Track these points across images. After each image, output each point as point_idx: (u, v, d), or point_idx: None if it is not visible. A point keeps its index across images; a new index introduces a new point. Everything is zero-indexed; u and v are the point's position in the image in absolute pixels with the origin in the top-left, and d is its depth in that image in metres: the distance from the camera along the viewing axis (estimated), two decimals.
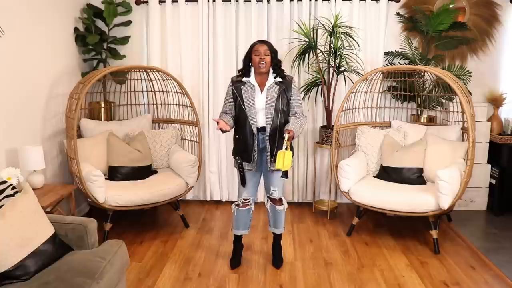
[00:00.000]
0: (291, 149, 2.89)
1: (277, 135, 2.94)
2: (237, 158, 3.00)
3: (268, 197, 3.16)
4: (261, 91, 2.96)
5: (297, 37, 4.16)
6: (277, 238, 3.30)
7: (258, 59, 2.90)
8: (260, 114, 2.96)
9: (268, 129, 2.95)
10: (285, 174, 2.95)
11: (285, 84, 2.98)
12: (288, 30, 4.24)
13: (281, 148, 2.78)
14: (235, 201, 3.19)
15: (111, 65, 4.36)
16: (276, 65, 2.97)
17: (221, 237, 3.76)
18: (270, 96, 2.94)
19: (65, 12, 3.92)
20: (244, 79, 2.99)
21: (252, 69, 2.98)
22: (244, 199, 3.10)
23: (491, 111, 4.40)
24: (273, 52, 2.94)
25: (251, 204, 3.12)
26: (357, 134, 4.08)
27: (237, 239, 3.27)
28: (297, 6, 4.26)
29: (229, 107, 3.05)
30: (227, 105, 3.07)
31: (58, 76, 3.78)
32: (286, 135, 2.81)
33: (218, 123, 2.89)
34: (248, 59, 2.98)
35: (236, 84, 3.01)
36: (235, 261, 3.26)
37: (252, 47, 2.96)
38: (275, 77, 2.97)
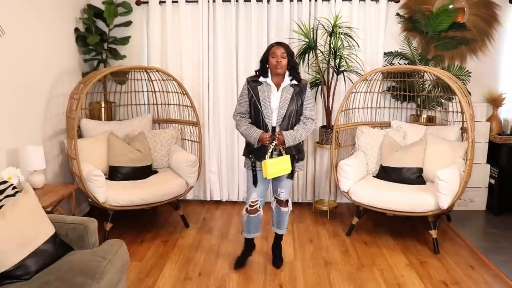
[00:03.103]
0: (287, 153, 2.96)
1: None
2: (250, 156, 3.02)
3: (275, 197, 3.18)
4: (277, 91, 2.99)
5: (297, 37, 4.17)
6: (278, 238, 3.31)
7: (275, 62, 2.91)
8: (275, 114, 2.97)
9: (278, 129, 2.97)
10: (290, 176, 3.04)
11: (299, 87, 3.00)
12: (288, 30, 4.25)
13: (266, 157, 2.90)
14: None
15: (112, 65, 4.37)
16: (292, 67, 2.99)
17: (221, 237, 3.77)
18: (284, 97, 2.96)
19: (65, 12, 3.92)
20: (261, 79, 3.01)
21: (269, 70, 3.01)
22: (252, 201, 3.07)
23: (491, 111, 4.41)
24: (290, 54, 2.96)
25: (259, 207, 3.11)
26: (356, 134, 4.08)
27: (249, 242, 3.27)
28: (297, 7, 4.27)
29: (245, 107, 3.04)
30: (243, 105, 3.06)
31: (58, 76, 3.79)
32: (271, 145, 2.90)
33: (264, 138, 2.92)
34: (265, 60, 3.00)
35: (252, 83, 3.02)
36: (241, 261, 3.25)
37: (269, 49, 2.98)
38: (291, 80, 2.98)
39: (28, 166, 3.12)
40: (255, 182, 3.04)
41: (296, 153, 3.02)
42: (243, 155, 3.13)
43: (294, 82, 2.99)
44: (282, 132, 2.93)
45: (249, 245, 3.28)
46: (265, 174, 2.88)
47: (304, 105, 3.03)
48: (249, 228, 3.17)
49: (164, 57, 4.40)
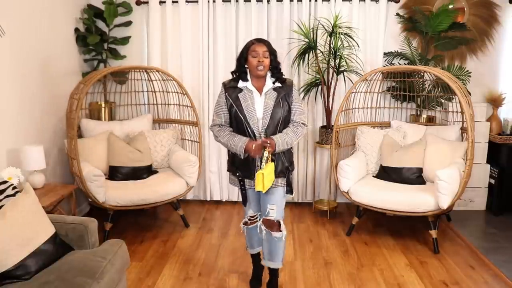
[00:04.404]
0: (272, 160, 2.56)
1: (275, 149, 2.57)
2: (237, 174, 2.67)
3: (263, 219, 2.69)
4: (260, 96, 2.61)
5: (297, 38, 4.17)
6: (273, 274, 2.85)
7: (256, 62, 2.52)
8: (260, 124, 2.60)
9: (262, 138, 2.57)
10: (289, 190, 2.68)
11: (284, 90, 2.61)
12: (288, 30, 4.25)
13: (261, 167, 2.50)
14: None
15: (112, 65, 4.37)
16: (275, 68, 2.60)
17: (221, 237, 3.77)
18: (266, 103, 2.57)
19: (65, 12, 3.93)
20: (240, 84, 2.60)
21: (249, 72, 2.61)
22: (251, 217, 2.78)
23: (490, 111, 4.41)
24: (273, 53, 2.57)
25: (259, 220, 2.75)
26: (356, 134, 4.09)
27: (256, 259, 2.94)
28: (297, 7, 4.27)
29: (224, 118, 2.64)
30: (221, 115, 2.64)
31: (58, 76, 3.79)
32: (266, 152, 2.48)
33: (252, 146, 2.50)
34: (243, 59, 2.58)
35: (231, 90, 2.61)
36: (256, 282, 2.94)
37: (248, 47, 2.57)
38: (273, 82, 2.61)
39: (28, 166, 3.12)
40: (245, 201, 2.72)
41: (289, 164, 2.68)
42: (228, 170, 2.75)
43: (278, 84, 2.60)
44: (272, 137, 2.54)
45: (257, 265, 2.95)
46: (260, 187, 2.44)
47: (292, 110, 2.64)
48: (252, 242, 2.87)
49: (164, 57, 4.40)
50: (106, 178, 3.63)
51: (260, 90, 2.61)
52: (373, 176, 3.91)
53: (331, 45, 3.99)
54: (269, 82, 2.61)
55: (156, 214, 4.27)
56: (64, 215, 2.93)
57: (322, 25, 4.06)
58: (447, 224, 4.04)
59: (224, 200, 4.63)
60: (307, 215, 4.30)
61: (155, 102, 4.44)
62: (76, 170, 3.43)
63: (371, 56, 4.33)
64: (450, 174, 3.31)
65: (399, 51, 4.33)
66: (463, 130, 3.94)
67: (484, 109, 4.26)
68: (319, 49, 4.08)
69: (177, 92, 4.22)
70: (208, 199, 4.62)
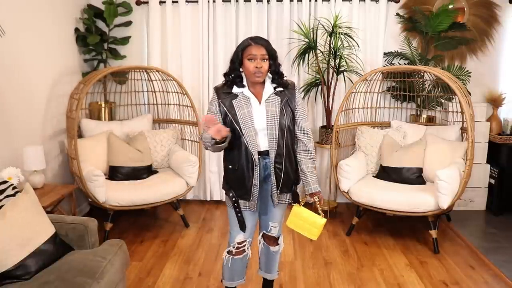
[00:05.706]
0: (288, 189, 2.39)
1: (284, 160, 2.28)
2: (231, 195, 2.33)
3: (263, 234, 2.54)
4: (259, 104, 2.26)
5: (297, 38, 4.17)
6: (267, 285, 2.71)
7: (253, 68, 2.16)
8: (261, 135, 2.25)
9: (273, 155, 2.26)
10: (296, 198, 2.45)
11: (287, 94, 2.27)
12: (288, 30, 4.25)
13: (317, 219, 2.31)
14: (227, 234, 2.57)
15: (112, 65, 4.37)
16: (276, 73, 2.26)
17: (221, 237, 3.77)
18: (271, 111, 2.23)
19: (65, 12, 3.93)
20: (235, 89, 2.25)
21: (245, 77, 2.27)
22: (238, 243, 2.41)
23: (490, 111, 4.41)
24: (272, 56, 2.21)
25: (247, 248, 2.45)
26: (356, 134, 4.09)
27: None
28: (297, 7, 4.27)
29: None
30: None
31: (58, 76, 3.79)
32: (321, 212, 2.32)
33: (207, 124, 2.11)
34: (238, 62, 2.22)
35: (224, 96, 2.25)
36: None
37: (244, 47, 2.22)
38: (275, 87, 2.27)
39: (28, 166, 3.12)
40: (243, 226, 2.36)
41: (295, 177, 2.42)
42: (223, 188, 2.41)
43: (279, 88, 2.27)
44: (311, 188, 2.35)
45: None
46: (316, 235, 2.30)
47: (297, 116, 2.31)
48: (232, 275, 2.51)
49: (164, 57, 4.40)
50: (106, 178, 3.63)
51: (258, 97, 2.26)
52: (373, 176, 3.91)
53: (331, 45, 3.99)
54: (269, 87, 2.27)
55: (156, 214, 4.27)
56: (64, 215, 2.93)
57: (322, 25, 4.06)
58: (447, 224, 4.04)
59: (224, 200, 4.62)
60: None
61: (155, 102, 4.44)
62: (76, 170, 3.43)
63: (371, 56, 4.33)
64: (450, 174, 3.31)
65: (399, 51, 4.33)
66: (463, 130, 3.94)
67: (484, 109, 4.26)
68: (319, 49, 4.08)
69: (177, 92, 4.22)
70: (208, 199, 4.62)
